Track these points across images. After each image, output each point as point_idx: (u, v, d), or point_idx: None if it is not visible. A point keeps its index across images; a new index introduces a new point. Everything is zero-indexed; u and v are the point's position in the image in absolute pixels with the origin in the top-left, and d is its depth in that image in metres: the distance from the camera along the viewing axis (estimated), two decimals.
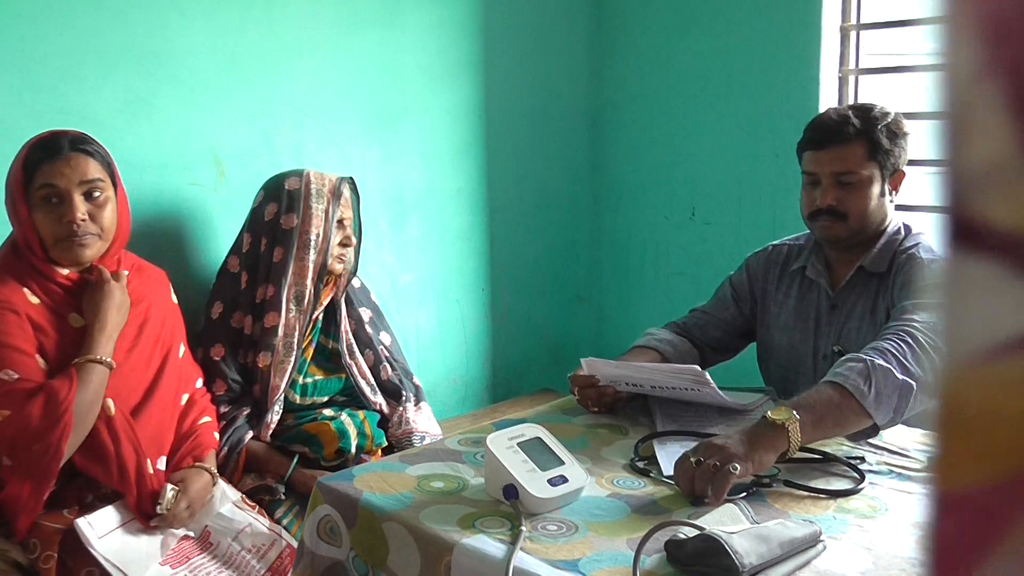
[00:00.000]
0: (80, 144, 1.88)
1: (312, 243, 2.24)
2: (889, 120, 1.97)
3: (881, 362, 1.64)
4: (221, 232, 2.51)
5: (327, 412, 2.31)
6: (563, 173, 3.44)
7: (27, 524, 1.78)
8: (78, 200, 1.85)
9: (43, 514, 1.81)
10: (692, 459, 1.46)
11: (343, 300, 2.39)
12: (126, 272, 1.98)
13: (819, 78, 2.91)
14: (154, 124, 2.36)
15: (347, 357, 2.36)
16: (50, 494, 1.83)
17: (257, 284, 2.27)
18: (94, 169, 1.88)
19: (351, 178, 2.35)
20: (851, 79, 2.94)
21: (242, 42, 2.51)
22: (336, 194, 2.28)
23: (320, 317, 2.36)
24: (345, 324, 2.39)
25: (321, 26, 2.67)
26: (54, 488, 1.83)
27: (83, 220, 1.85)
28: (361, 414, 2.31)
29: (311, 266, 2.24)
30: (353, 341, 2.40)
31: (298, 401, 2.29)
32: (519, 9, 3.21)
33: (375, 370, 2.42)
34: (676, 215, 3.35)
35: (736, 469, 1.42)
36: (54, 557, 1.76)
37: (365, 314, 2.45)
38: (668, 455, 1.63)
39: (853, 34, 2.92)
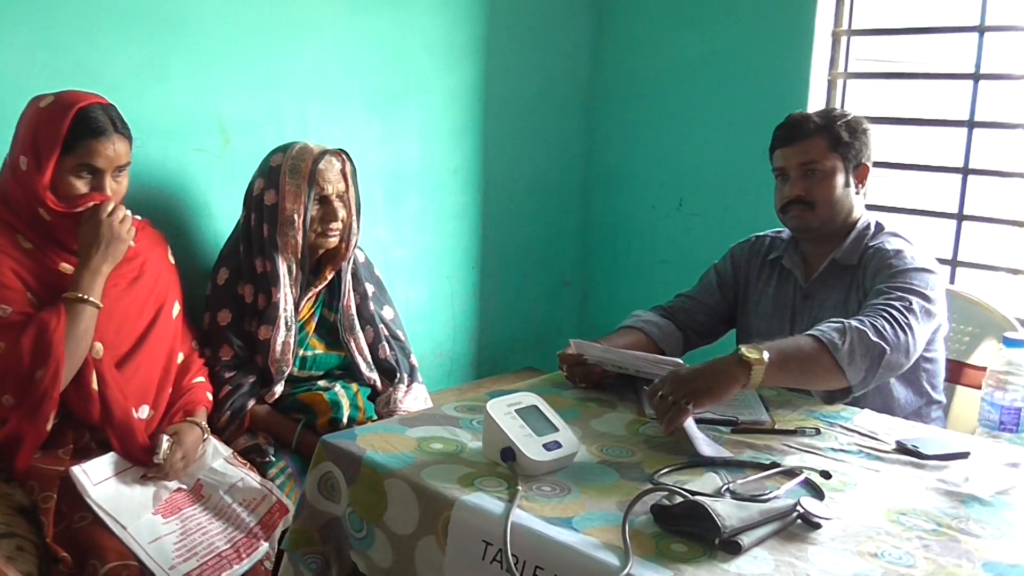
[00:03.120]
0: (120, 125, 1.96)
1: (291, 220, 2.27)
2: (848, 118, 2.15)
3: (857, 324, 1.81)
4: (224, 198, 2.57)
5: (321, 383, 2.37)
6: (556, 159, 3.53)
7: (26, 462, 1.86)
8: (109, 180, 1.95)
9: (40, 456, 1.88)
10: (660, 392, 1.66)
11: (349, 274, 2.42)
12: (124, 210, 1.97)
13: (809, 80, 3.01)
14: (164, 89, 2.42)
15: (346, 332, 2.41)
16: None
17: (253, 255, 2.32)
18: (126, 151, 1.98)
19: (341, 150, 2.35)
20: (839, 83, 3.05)
21: (255, 13, 2.56)
22: (313, 170, 2.27)
23: (324, 291, 2.41)
24: (348, 299, 2.42)
25: (332, 3, 2.73)
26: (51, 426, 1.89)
27: (110, 196, 1.95)
28: (354, 386, 2.38)
29: (293, 242, 2.28)
30: (355, 316, 2.43)
31: (296, 373, 2.35)
32: None
33: (373, 347, 2.47)
34: (663, 205, 3.45)
35: (690, 407, 1.63)
36: (53, 498, 1.82)
37: (369, 289, 2.50)
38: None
39: (844, 39, 3.02)
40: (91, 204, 1.93)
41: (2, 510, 1.81)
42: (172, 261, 2.24)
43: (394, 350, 2.51)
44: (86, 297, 1.88)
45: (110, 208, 1.93)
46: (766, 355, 1.70)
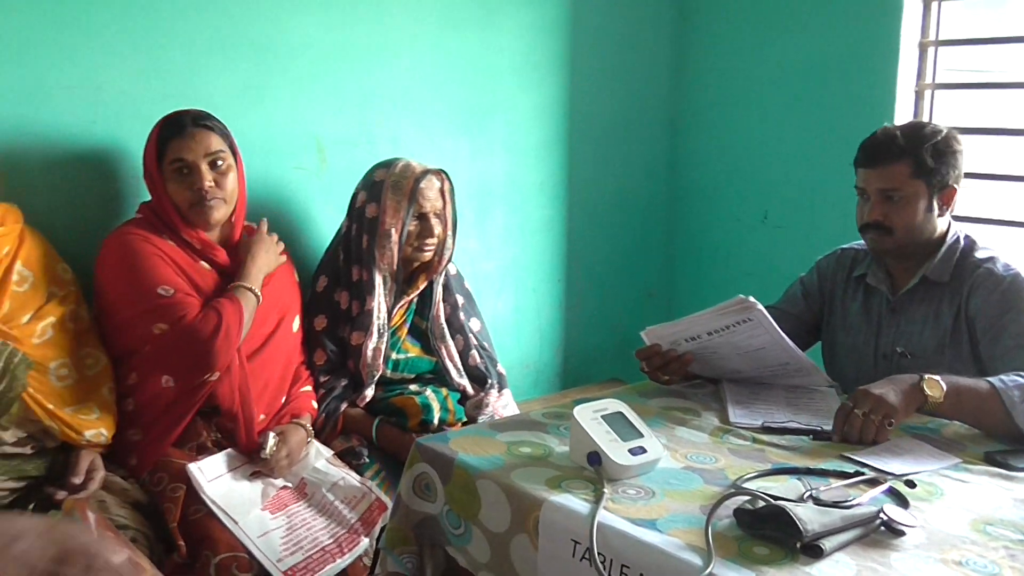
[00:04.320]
0: (201, 120, 2.15)
1: (389, 233, 2.38)
2: (938, 139, 2.08)
3: None
4: (321, 213, 2.69)
5: (413, 387, 2.47)
6: (641, 173, 3.58)
7: (154, 458, 2.03)
8: (204, 170, 2.12)
9: (171, 450, 2.05)
10: (857, 411, 1.75)
11: (440, 285, 2.53)
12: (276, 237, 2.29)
13: (895, 91, 2.99)
14: (265, 110, 2.55)
15: (437, 340, 2.51)
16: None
17: (351, 263, 2.43)
18: (216, 142, 2.14)
19: (440, 170, 2.46)
20: (927, 94, 3.02)
21: (349, 36, 2.68)
22: (414, 188, 2.38)
23: (416, 299, 2.51)
24: (439, 308, 2.52)
25: (422, 24, 2.84)
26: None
27: (210, 187, 2.11)
28: (444, 391, 2.47)
29: (389, 254, 2.39)
30: (445, 325, 2.53)
31: (389, 375, 2.45)
32: (606, 14, 3.34)
33: (464, 355, 2.56)
34: (748, 218, 3.46)
35: (892, 424, 1.74)
36: (183, 488, 1.97)
37: (459, 300, 2.60)
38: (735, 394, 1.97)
39: (932, 49, 3.00)
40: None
41: (120, 504, 1.94)
42: (297, 279, 2.38)
43: (483, 358, 2.59)
44: (255, 289, 2.10)
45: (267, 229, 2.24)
46: (943, 388, 1.78)
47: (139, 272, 2.04)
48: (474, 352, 2.58)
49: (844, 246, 2.36)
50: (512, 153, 3.15)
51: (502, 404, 2.53)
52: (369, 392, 2.41)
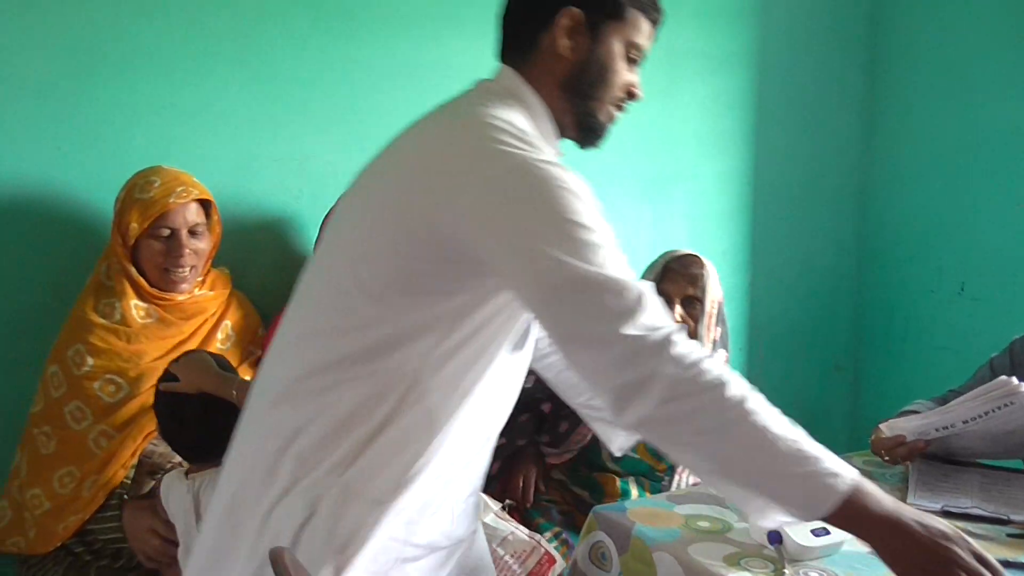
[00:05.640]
0: None
1: None
2: None
3: None
4: None
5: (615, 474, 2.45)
6: (828, 242, 3.49)
7: None
8: None
9: None
10: None
11: None
12: None
13: None
14: None
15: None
16: None
17: None
18: None
19: (686, 255, 2.44)
20: None
21: None
22: (660, 271, 2.40)
23: None
24: None
25: None
26: None
27: None
28: (647, 482, 2.43)
29: None
30: None
31: (608, 464, 2.42)
32: (793, 84, 3.32)
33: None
34: (943, 290, 3.31)
35: None
36: None
37: None
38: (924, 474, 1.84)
39: None
40: None
41: None
42: None
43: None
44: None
45: None
46: None
47: None
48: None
49: None
50: (694, 221, 3.15)
51: None
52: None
